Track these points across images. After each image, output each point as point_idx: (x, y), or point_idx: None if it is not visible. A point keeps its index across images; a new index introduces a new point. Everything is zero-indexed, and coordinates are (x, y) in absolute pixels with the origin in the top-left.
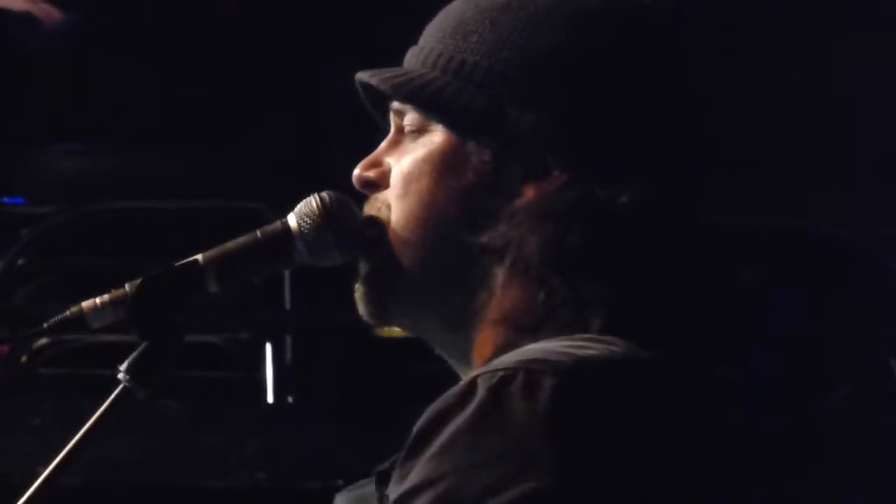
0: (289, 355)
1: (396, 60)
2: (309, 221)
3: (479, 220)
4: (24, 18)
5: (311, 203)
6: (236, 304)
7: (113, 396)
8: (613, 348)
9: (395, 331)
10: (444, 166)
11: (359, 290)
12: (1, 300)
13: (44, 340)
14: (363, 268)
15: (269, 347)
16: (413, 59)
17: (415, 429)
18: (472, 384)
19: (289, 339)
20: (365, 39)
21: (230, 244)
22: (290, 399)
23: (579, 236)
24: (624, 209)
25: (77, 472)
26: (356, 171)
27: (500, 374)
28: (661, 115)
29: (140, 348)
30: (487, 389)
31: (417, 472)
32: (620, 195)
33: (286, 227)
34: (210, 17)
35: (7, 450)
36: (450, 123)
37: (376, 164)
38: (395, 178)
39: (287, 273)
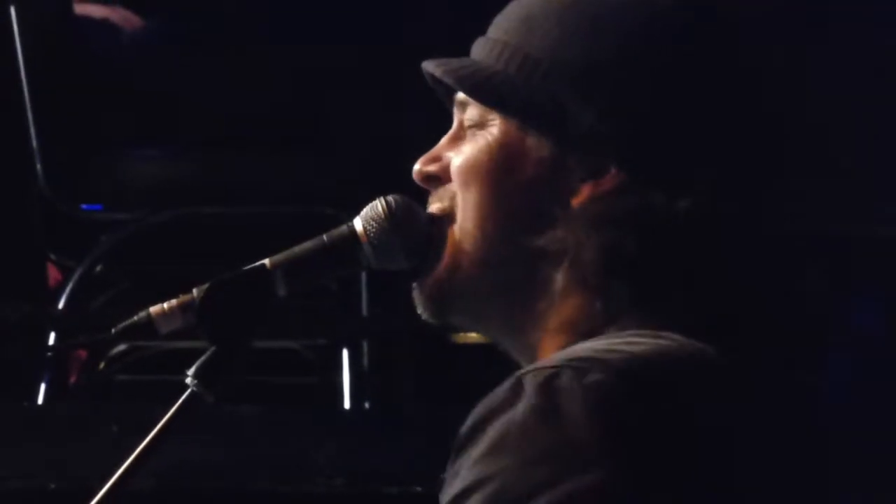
0: (365, 361)
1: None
2: (375, 225)
3: (537, 218)
4: (104, 25)
5: (377, 207)
6: (314, 309)
7: (181, 401)
8: (662, 342)
9: (471, 336)
10: (503, 160)
11: (417, 288)
12: (79, 307)
13: (121, 347)
14: (423, 265)
15: (345, 353)
16: (479, 50)
17: (462, 429)
18: (519, 383)
19: (365, 345)
20: (441, 42)
21: (297, 248)
22: (366, 404)
23: (637, 242)
24: (682, 214)
25: (152, 476)
26: (416, 167)
27: (547, 372)
28: (725, 117)
29: (208, 353)
30: (535, 387)
31: (467, 472)
32: (679, 200)
33: (352, 230)
34: (287, 23)
35: (85, 456)
36: (510, 117)
37: (436, 158)
38: (456, 171)
39: (364, 278)
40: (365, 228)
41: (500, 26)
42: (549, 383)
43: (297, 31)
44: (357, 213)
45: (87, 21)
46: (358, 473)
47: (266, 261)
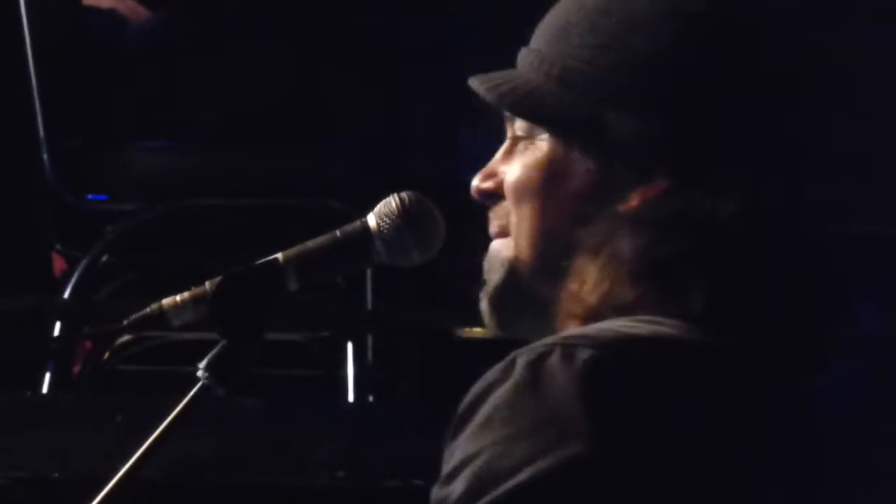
0: (370, 354)
1: (476, 63)
2: (388, 221)
3: (587, 222)
4: (110, 16)
5: (390, 203)
6: (319, 302)
7: (192, 394)
8: (662, 328)
9: (476, 331)
10: (551, 175)
11: (484, 303)
12: (84, 297)
13: (126, 337)
14: (488, 282)
15: (350, 346)
16: (522, 61)
17: (459, 408)
18: (512, 361)
19: (370, 339)
20: (450, 41)
21: (310, 243)
22: (370, 398)
23: (675, 241)
24: (725, 216)
25: (157, 469)
26: (474, 183)
27: (539, 349)
28: (769, 120)
29: (219, 346)
30: (525, 364)
31: (459, 451)
32: (723, 201)
33: (365, 226)
34: (296, 17)
35: (89, 447)
36: (554, 132)
37: (492, 174)
38: (509, 190)
39: (368, 272)
40: (378, 224)
41: (540, 36)
42: (538, 360)
43: (300, 25)
44: (365, 206)
45: (95, 11)
46: (361, 467)
47: (279, 255)
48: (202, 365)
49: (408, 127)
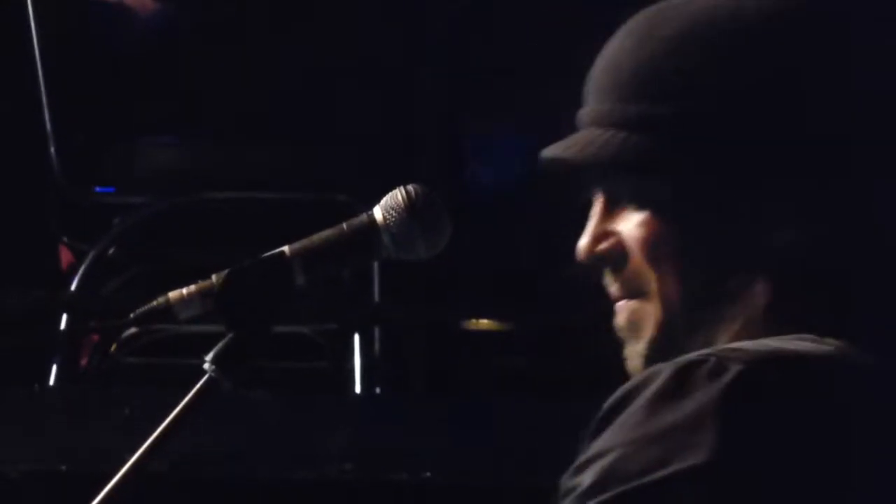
0: (377, 347)
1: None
2: (394, 214)
3: (721, 261)
4: (118, 9)
5: (396, 196)
6: (326, 295)
7: (198, 387)
8: (822, 347)
9: (483, 323)
10: (669, 223)
11: (637, 362)
12: (91, 290)
13: (133, 330)
14: (636, 340)
15: (357, 339)
16: (583, 120)
17: (602, 408)
18: (660, 368)
19: (377, 331)
20: (456, 37)
21: (316, 237)
22: (377, 390)
23: (821, 256)
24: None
25: (165, 462)
26: (583, 244)
27: (692, 357)
28: (860, 137)
29: (226, 339)
30: (673, 371)
31: (596, 446)
32: (849, 213)
33: (372, 219)
34: (302, 9)
35: (96, 439)
36: (650, 182)
37: (603, 235)
38: (637, 249)
39: (375, 265)
40: (385, 217)
41: (595, 89)
42: (686, 369)
43: (305, 17)
44: (372, 200)
45: (101, 4)
46: (368, 459)
47: (285, 248)
48: (209, 358)
49: (415, 121)
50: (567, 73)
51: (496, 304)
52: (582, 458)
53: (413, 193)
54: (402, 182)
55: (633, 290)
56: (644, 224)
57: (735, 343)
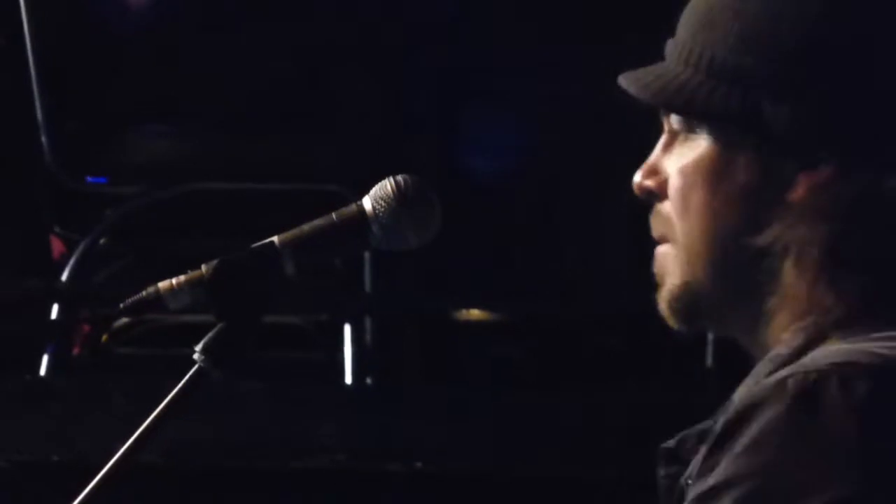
0: (368, 337)
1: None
2: (384, 204)
3: (758, 220)
4: None
5: (386, 186)
6: (317, 285)
7: (188, 377)
8: None
9: (475, 313)
10: (713, 173)
11: (664, 306)
12: (83, 280)
13: (124, 320)
14: (663, 286)
15: (348, 329)
16: (670, 53)
17: (723, 421)
18: (783, 383)
19: (368, 321)
20: (450, 25)
21: (306, 226)
22: (368, 381)
23: (863, 231)
24: None
25: (156, 452)
26: (637, 178)
27: (814, 375)
28: None
29: (216, 329)
30: (801, 390)
31: (724, 467)
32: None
33: (361, 209)
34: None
35: (87, 429)
36: (711, 126)
37: (654, 171)
38: (672, 194)
39: (367, 255)
40: (374, 207)
41: (685, 26)
42: (815, 388)
43: (301, 7)
44: (362, 190)
45: None
46: (360, 449)
47: (275, 238)
48: (198, 347)
49: (408, 111)
50: (562, 65)
51: (488, 294)
52: (711, 481)
53: (403, 183)
54: (392, 172)
55: (665, 234)
56: (686, 169)
57: (830, 346)
